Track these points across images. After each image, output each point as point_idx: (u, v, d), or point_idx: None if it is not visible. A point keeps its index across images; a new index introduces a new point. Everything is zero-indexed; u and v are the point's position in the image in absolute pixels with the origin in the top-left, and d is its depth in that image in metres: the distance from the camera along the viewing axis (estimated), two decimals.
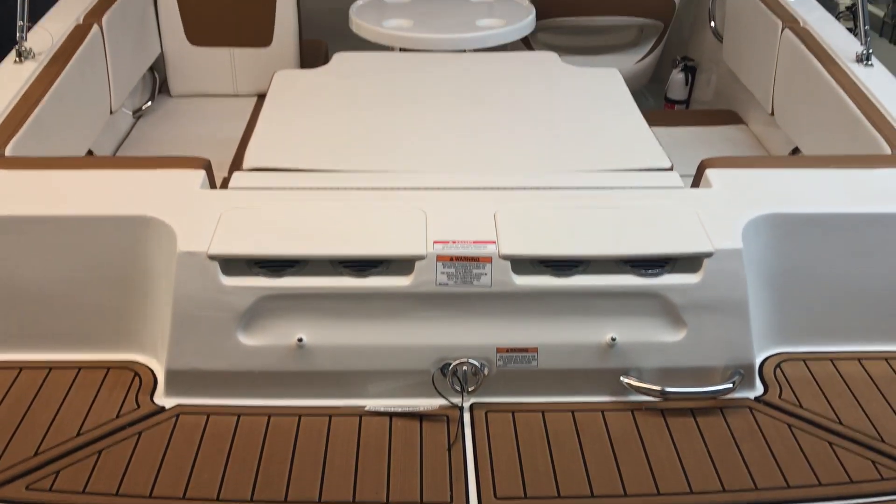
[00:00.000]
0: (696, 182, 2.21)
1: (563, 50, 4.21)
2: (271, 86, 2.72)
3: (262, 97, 3.70)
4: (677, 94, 4.15)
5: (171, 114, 3.60)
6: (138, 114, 3.55)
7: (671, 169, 2.26)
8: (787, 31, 3.06)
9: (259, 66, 3.67)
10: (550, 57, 2.97)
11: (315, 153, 2.30)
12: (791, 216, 2.04)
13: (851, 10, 7.27)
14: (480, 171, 2.23)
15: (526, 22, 3.39)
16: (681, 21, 4.28)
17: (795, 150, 3.04)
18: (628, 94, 2.66)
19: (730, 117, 3.65)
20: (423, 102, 2.59)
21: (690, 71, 4.11)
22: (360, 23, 3.36)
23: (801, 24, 3.07)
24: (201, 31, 3.60)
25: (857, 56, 2.75)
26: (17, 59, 2.64)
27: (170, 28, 3.59)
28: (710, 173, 2.16)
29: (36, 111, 2.42)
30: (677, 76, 4.12)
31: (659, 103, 4.37)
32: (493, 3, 3.66)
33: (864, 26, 2.75)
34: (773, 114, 3.18)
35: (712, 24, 3.98)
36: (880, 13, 7.01)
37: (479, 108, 2.56)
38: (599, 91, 2.69)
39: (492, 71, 2.82)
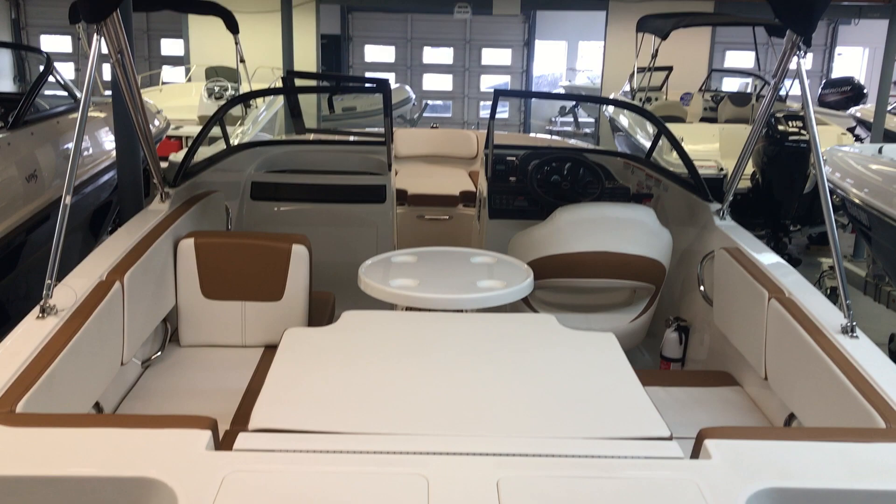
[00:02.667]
0: (696, 452, 2.23)
1: (560, 308, 4.38)
2: (281, 344, 2.81)
3: (269, 348, 3.81)
4: (672, 352, 4.27)
5: (180, 364, 3.68)
6: (147, 364, 3.63)
7: (670, 438, 2.29)
8: (773, 300, 3.22)
9: (269, 319, 3.81)
10: (549, 320, 3.08)
11: (320, 415, 2.34)
12: (792, 491, 2.05)
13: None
14: (482, 435, 2.26)
15: (524, 285, 3.57)
16: (671, 284, 4.50)
17: (791, 417, 3.08)
18: (625, 359, 2.75)
19: (724, 379, 3.73)
20: (427, 364, 2.67)
21: (684, 331, 4.26)
22: (368, 282, 3.53)
23: (787, 295, 3.23)
24: (216, 285, 3.78)
25: (842, 328, 2.88)
26: (40, 314, 2.76)
27: (186, 282, 3.78)
28: (709, 444, 2.19)
29: (50, 368, 2.50)
30: (671, 335, 4.26)
31: (655, 360, 4.47)
32: (493, 264, 3.87)
33: (846, 301, 2.90)
34: (766, 378, 3.26)
35: (701, 288, 4.18)
36: (862, 273, 7.33)
37: (481, 372, 2.63)
38: (597, 356, 2.78)
39: (493, 334, 2.93)
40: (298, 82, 8.37)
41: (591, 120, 18.46)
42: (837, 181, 6.26)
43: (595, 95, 14.34)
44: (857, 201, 5.95)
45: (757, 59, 12.49)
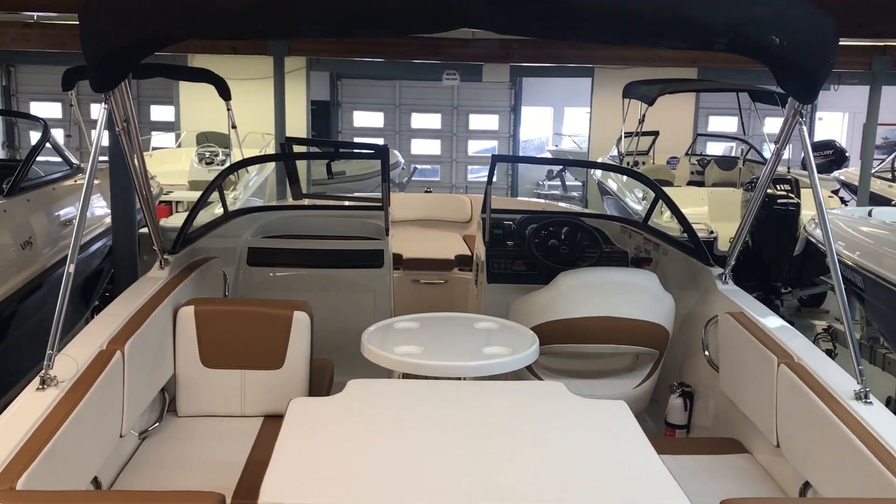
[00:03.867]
0: None
1: (563, 374, 4.33)
2: (287, 415, 2.74)
3: (269, 417, 3.72)
4: (677, 418, 4.21)
5: (178, 435, 3.58)
6: (144, 435, 3.54)
7: None
8: (783, 366, 3.19)
9: (268, 388, 3.73)
10: (558, 387, 3.02)
11: (331, 490, 2.27)
12: None
13: (829, 332, 7.61)
14: None
15: (530, 351, 3.52)
16: (674, 349, 4.46)
17: (806, 485, 3.02)
18: (639, 428, 2.69)
19: (733, 446, 3.66)
20: (439, 435, 2.60)
21: (688, 396, 4.21)
22: (372, 349, 3.48)
23: (796, 360, 3.20)
24: (215, 354, 3.71)
25: (855, 394, 2.85)
26: (41, 386, 2.70)
27: (185, 351, 3.71)
28: None
29: (50, 443, 2.42)
30: (676, 401, 4.20)
31: (658, 426, 4.41)
32: (496, 330, 3.83)
33: (858, 367, 2.88)
34: (778, 445, 3.21)
35: (706, 353, 4.14)
36: (856, 334, 7.34)
37: (495, 443, 2.57)
38: (610, 425, 2.72)
39: (505, 403, 2.87)
40: (296, 148, 8.41)
41: (579, 183, 18.66)
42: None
43: (590, 161, 14.50)
44: (849, 263, 5.98)
45: (741, 123, 12.71)
